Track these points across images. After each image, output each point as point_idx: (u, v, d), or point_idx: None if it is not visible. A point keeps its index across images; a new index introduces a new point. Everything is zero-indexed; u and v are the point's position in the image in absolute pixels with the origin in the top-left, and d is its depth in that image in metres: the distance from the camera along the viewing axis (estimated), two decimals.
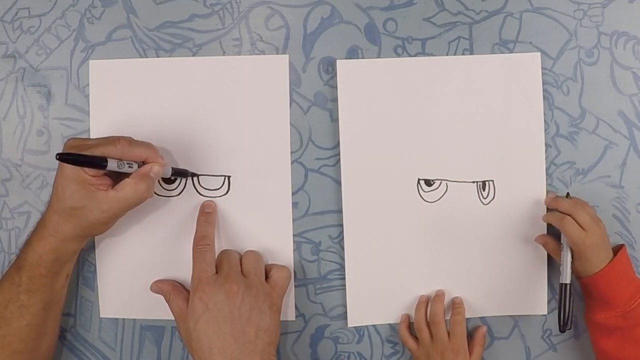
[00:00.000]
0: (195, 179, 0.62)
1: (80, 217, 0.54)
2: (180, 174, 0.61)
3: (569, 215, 0.58)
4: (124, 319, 0.63)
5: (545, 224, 0.63)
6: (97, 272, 0.62)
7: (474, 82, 0.62)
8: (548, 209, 0.62)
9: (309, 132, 0.63)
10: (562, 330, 0.59)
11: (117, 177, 0.55)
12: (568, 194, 0.62)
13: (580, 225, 0.57)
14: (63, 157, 0.50)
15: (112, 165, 0.53)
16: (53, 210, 0.54)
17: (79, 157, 0.51)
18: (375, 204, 0.62)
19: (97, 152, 0.53)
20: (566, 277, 0.59)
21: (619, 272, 0.58)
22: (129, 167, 0.54)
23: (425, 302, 0.62)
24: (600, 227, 0.58)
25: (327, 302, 0.63)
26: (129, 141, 0.55)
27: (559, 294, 0.59)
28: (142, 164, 0.56)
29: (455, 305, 0.62)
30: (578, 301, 0.64)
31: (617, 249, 0.60)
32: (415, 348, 0.62)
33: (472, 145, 0.63)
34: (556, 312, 0.63)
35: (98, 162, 0.52)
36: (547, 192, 0.63)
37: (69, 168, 0.53)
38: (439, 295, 0.62)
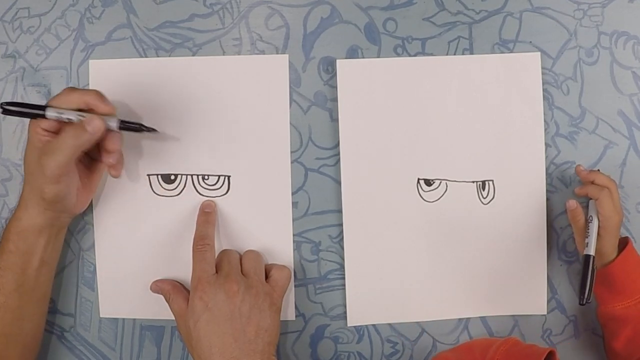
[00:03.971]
0: (195, 179, 0.62)
1: (33, 182, 0.54)
2: (131, 128, 0.56)
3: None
4: (124, 319, 0.63)
5: (545, 224, 0.63)
6: (97, 272, 0.62)
7: (474, 82, 0.62)
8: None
9: (309, 132, 0.63)
10: (583, 303, 0.57)
11: (86, 163, 0.57)
12: (599, 170, 0.62)
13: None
14: (4, 107, 0.51)
15: (50, 114, 0.53)
16: (26, 182, 0.55)
17: (20, 104, 0.52)
18: (375, 203, 0.62)
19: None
20: (591, 248, 0.58)
21: (633, 259, 0.59)
22: (70, 118, 0.53)
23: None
24: (622, 212, 0.60)
25: (327, 301, 0.63)
26: (71, 88, 0.55)
27: (583, 266, 0.58)
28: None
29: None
30: (577, 299, 0.64)
31: (621, 242, 0.60)
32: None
33: (472, 145, 0.63)
34: (556, 311, 0.64)
35: (37, 110, 0.52)
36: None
37: (30, 134, 0.54)
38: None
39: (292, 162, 0.62)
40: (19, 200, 0.56)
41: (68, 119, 0.53)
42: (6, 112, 0.51)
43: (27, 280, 0.56)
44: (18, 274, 0.56)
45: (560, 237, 0.64)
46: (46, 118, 0.53)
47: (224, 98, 0.62)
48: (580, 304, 0.58)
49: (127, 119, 0.56)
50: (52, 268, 0.59)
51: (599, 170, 0.62)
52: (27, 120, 0.62)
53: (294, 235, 0.63)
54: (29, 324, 0.58)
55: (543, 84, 0.63)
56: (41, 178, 0.53)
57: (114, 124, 0.55)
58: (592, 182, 0.60)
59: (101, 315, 0.63)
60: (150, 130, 0.58)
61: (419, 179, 0.63)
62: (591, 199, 0.60)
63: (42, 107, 0.53)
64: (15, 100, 0.52)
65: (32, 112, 0.53)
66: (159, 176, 0.62)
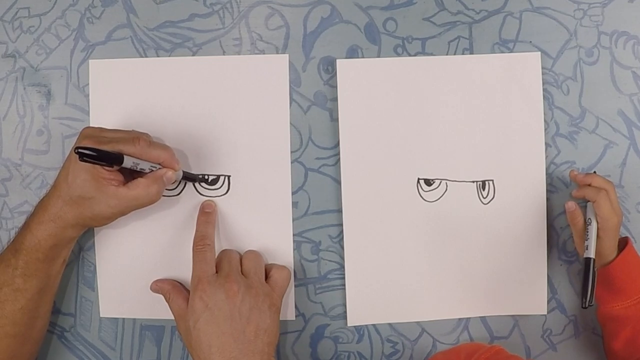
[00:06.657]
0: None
1: (86, 208, 0.54)
2: (190, 178, 0.61)
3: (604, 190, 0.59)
4: (124, 319, 0.63)
5: (545, 224, 0.63)
6: (97, 272, 0.62)
7: (474, 82, 0.62)
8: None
9: (309, 131, 0.63)
10: (586, 306, 0.57)
11: (128, 175, 0.56)
12: (595, 172, 0.62)
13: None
14: (81, 152, 0.50)
15: (127, 163, 0.53)
16: (58, 196, 0.54)
17: (97, 152, 0.51)
18: (375, 203, 0.62)
19: (115, 148, 0.53)
20: (591, 251, 0.58)
21: (632, 259, 0.59)
22: (143, 168, 0.55)
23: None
24: (621, 213, 0.59)
25: (327, 301, 0.63)
26: (148, 142, 0.55)
27: (584, 269, 0.58)
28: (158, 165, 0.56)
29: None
30: (577, 300, 0.64)
31: (621, 242, 0.60)
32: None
33: (472, 145, 0.63)
34: (556, 311, 0.64)
35: (115, 160, 0.52)
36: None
37: (95, 169, 0.53)
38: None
39: (292, 162, 0.62)
40: (52, 213, 0.54)
41: (141, 169, 0.55)
42: (81, 156, 0.50)
43: (49, 283, 0.57)
44: (42, 279, 0.56)
45: (560, 237, 0.64)
46: (120, 166, 0.53)
47: (224, 98, 0.62)
48: (583, 307, 0.58)
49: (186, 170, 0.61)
50: (65, 264, 0.60)
51: (595, 172, 0.62)
52: (27, 121, 0.63)
53: (294, 235, 0.63)
54: (41, 322, 0.59)
55: (543, 83, 0.63)
56: (96, 211, 0.54)
57: (180, 175, 0.59)
58: (589, 185, 0.60)
59: (101, 315, 0.63)
60: (203, 180, 0.61)
61: (419, 179, 0.63)
62: (589, 201, 0.60)
63: (120, 158, 0.52)
64: (89, 147, 0.51)
65: (111, 160, 0.52)
66: None
